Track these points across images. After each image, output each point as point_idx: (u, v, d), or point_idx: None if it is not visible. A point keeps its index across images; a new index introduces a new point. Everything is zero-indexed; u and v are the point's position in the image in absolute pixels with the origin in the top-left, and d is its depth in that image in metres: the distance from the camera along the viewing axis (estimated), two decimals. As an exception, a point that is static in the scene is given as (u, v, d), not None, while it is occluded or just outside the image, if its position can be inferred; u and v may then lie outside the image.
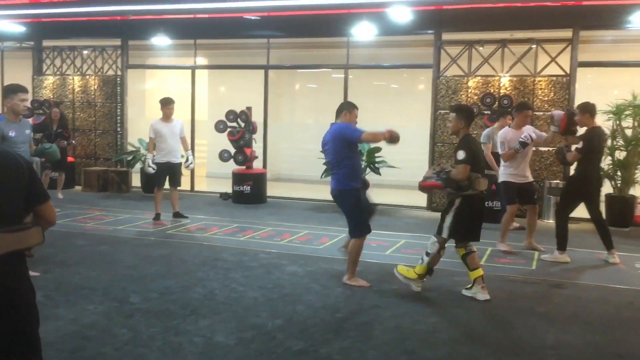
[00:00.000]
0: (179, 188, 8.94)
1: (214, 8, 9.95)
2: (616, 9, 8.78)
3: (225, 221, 8.75)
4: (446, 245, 5.33)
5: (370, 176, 10.48)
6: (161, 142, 8.51)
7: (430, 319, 4.69)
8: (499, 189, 7.49)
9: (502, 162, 7.21)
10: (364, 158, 10.29)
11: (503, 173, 7.22)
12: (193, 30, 11.54)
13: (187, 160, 8.92)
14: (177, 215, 8.82)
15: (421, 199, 10.73)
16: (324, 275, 5.92)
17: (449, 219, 5.25)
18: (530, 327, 4.59)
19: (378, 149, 10.30)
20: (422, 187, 5.59)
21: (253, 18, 10.61)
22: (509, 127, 7.30)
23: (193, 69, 12.18)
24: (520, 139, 6.82)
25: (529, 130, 7.00)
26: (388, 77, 14.00)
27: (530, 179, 7.31)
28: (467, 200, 5.18)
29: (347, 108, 5.72)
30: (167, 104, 8.59)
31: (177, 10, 10.37)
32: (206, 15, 10.53)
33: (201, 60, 13.29)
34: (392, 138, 5.25)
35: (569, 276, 6.15)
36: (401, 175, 11.84)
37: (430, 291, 5.45)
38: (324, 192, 11.57)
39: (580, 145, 6.58)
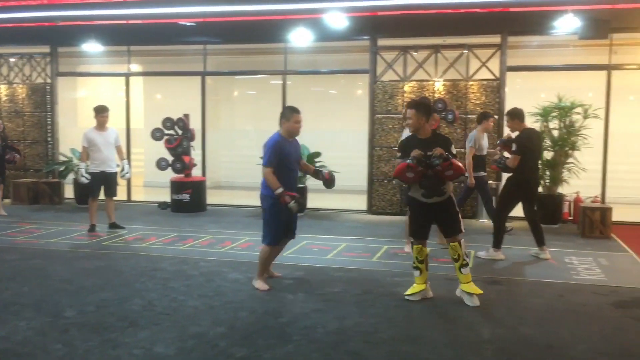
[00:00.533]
0: (115, 198, 8.71)
1: (147, 14, 9.79)
2: (541, 15, 9.17)
3: (164, 230, 8.58)
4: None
5: (310, 181, 10.54)
6: (95, 151, 8.28)
7: (372, 320, 4.74)
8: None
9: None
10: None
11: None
12: (126, 37, 11.29)
13: (122, 169, 8.70)
14: (114, 226, 8.59)
15: (362, 202, 10.87)
16: (266, 280, 5.89)
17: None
18: (467, 323, 4.72)
19: (318, 154, 10.37)
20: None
21: (188, 24, 10.50)
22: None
23: (127, 76, 11.91)
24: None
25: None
26: (326, 83, 14.12)
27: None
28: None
29: (284, 116, 5.60)
30: (101, 111, 8.37)
31: (109, 16, 10.14)
32: (139, 21, 10.32)
33: (136, 67, 13.02)
34: (283, 202, 5.29)
35: (504, 273, 6.36)
36: (341, 180, 11.88)
37: (371, 293, 5.52)
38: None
39: (513, 148, 6.83)
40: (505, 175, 7.54)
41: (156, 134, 10.52)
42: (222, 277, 6.03)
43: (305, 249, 7.48)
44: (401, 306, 5.13)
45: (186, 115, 10.59)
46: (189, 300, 5.23)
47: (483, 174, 8.40)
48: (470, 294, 5.19)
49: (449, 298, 5.39)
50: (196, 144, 10.98)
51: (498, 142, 7.62)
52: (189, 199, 10.36)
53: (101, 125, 8.35)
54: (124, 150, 9.27)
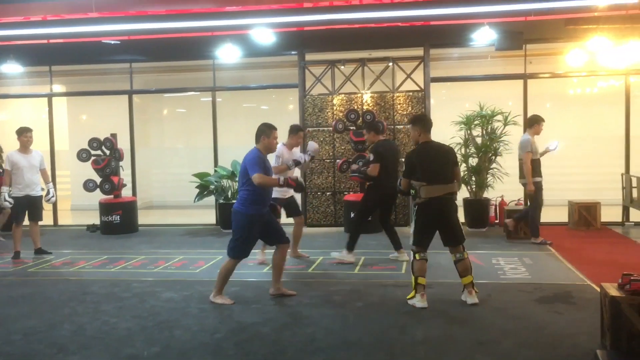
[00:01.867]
0: (40, 223, 8.40)
1: (69, 33, 9.52)
2: (460, 28, 9.57)
3: (93, 254, 8.34)
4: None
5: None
6: (19, 174, 7.99)
7: (308, 330, 4.79)
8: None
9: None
10: (237, 179, 10.30)
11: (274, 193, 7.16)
12: (47, 57, 10.95)
13: (48, 193, 8.41)
14: (40, 251, 8.28)
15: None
16: (202, 298, 5.84)
17: (412, 226, 5.55)
18: (401, 326, 4.84)
19: (250, 169, 10.34)
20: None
21: (112, 42, 10.31)
22: (283, 145, 7.26)
23: (50, 96, 11.54)
24: (295, 159, 7.15)
25: (298, 153, 7.37)
26: (257, 99, 14.15)
27: (291, 193, 7.43)
28: (419, 209, 5.47)
29: (264, 132, 5.62)
30: (23, 132, 8.11)
31: (28, 36, 9.80)
32: (61, 40, 10.04)
33: (59, 88, 12.64)
34: (288, 185, 5.44)
35: (435, 276, 6.53)
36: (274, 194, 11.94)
37: (308, 303, 5.56)
38: (198, 217, 11.47)
39: (371, 157, 7.17)
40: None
41: (82, 155, 10.23)
42: (155, 297, 5.93)
43: (241, 264, 7.38)
44: (337, 314, 5.20)
45: (113, 135, 10.35)
46: (121, 322, 5.11)
47: (539, 179, 8.31)
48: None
49: (384, 304, 5.51)
50: (125, 164, 10.74)
51: (353, 169, 7.89)
52: (119, 220, 10.11)
53: (25, 147, 8.08)
54: (49, 172, 8.98)
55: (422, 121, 5.64)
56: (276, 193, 7.13)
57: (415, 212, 5.52)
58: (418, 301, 5.37)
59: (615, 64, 8.92)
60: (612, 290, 4.05)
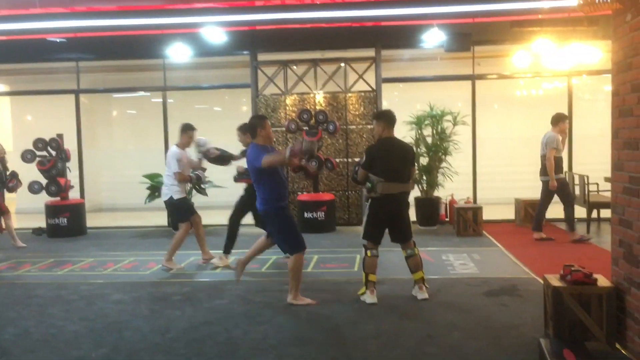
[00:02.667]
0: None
1: (12, 29, 9.23)
2: (410, 29, 9.73)
3: (39, 257, 8.10)
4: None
5: (196, 198, 10.41)
6: None
7: (260, 327, 4.78)
8: (176, 207, 7.26)
9: (169, 181, 7.09)
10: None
11: (174, 191, 7.07)
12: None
13: None
14: None
15: (248, 217, 10.85)
16: (153, 299, 5.76)
17: (364, 220, 5.54)
18: (353, 322, 4.89)
19: (203, 170, 10.23)
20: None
21: (58, 40, 10.04)
22: (177, 146, 7.18)
23: (-8, 96, 11.16)
24: (197, 174, 7.38)
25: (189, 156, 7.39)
26: (210, 100, 14.02)
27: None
28: (372, 203, 5.50)
29: (259, 124, 5.45)
30: None
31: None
32: (3, 38, 9.72)
33: (1, 87, 12.23)
34: (294, 154, 5.12)
35: (386, 272, 6.61)
36: (228, 195, 11.88)
37: (260, 302, 5.55)
38: (149, 219, 11.28)
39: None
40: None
41: (27, 156, 9.91)
42: (104, 299, 5.81)
43: (194, 265, 7.39)
44: (289, 312, 5.21)
45: (60, 135, 10.07)
46: (68, 325, 4.98)
47: (562, 175, 8.31)
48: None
49: (337, 301, 5.55)
50: (73, 165, 10.47)
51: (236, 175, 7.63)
52: (66, 223, 9.85)
53: None
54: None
55: (386, 116, 5.62)
56: (182, 193, 7.17)
57: (369, 207, 5.57)
58: (368, 297, 5.43)
59: (559, 66, 9.22)
60: (555, 281, 4.20)
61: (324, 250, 8.05)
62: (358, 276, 6.47)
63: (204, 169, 7.64)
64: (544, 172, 8.34)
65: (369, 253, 5.53)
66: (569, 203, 8.35)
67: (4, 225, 8.93)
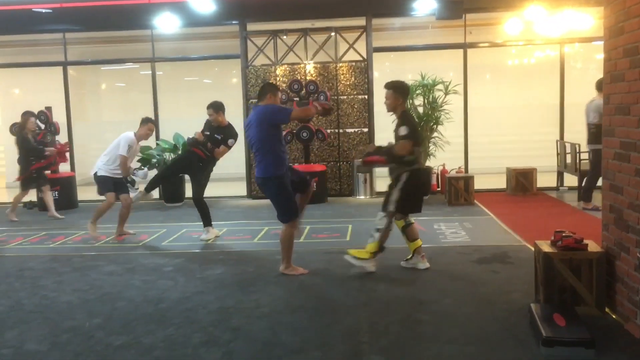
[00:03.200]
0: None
1: (-4, 0, 9.05)
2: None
3: (31, 230, 8.08)
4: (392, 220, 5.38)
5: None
6: None
7: (253, 297, 4.80)
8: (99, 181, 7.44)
9: (104, 158, 7.28)
10: (179, 152, 10.14)
11: (104, 169, 7.26)
12: (-26, 26, 10.41)
13: None
14: None
15: (241, 189, 10.86)
16: (145, 270, 5.76)
17: (395, 194, 5.28)
18: (345, 290, 4.91)
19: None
20: (366, 163, 5.53)
21: (44, 11, 9.85)
22: (134, 135, 7.31)
23: (-22, 68, 10.98)
24: (132, 176, 7.45)
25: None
26: (200, 72, 13.88)
27: (120, 175, 7.40)
28: (413, 175, 5.29)
29: (270, 90, 5.35)
30: None
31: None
32: (-13, 9, 9.55)
33: (-13, 60, 12.04)
34: (325, 110, 5.27)
35: (379, 242, 6.66)
36: (218, 168, 11.81)
37: (253, 272, 5.57)
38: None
39: (232, 139, 7.05)
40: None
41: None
42: (97, 270, 5.81)
43: (185, 237, 7.39)
44: (281, 282, 5.23)
45: (48, 108, 9.96)
46: (61, 296, 4.99)
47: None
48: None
49: (329, 270, 5.58)
50: (62, 138, 10.37)
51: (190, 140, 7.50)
52: (57, 196, 9.79)
53: None
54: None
55: (406, 89, 5.47)
56: (110, 173, 7.24)
57: (407, 180, 5.26)
58: (420, 263, 5.48)
59: (551, 33, 9.17)
60: (545, 247, 4.22)
61: (315, 220, 8.06)
62: (350, 246, 6.49)
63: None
64: (593, 140, 7.97)
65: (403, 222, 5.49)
66: (597, 173, 8.09)
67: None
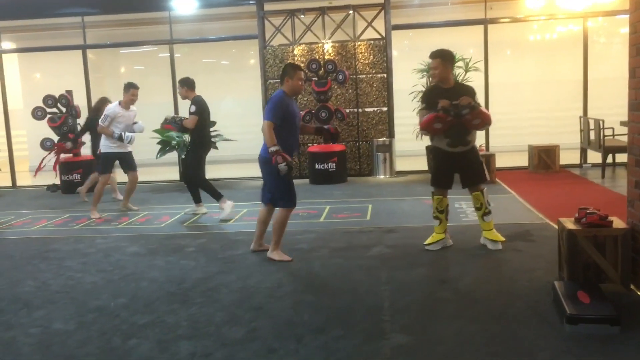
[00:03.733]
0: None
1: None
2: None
3: (55, 213, 8.20)
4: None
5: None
6: None
7: (274, 276, 4.83)
8: (101, 159, 7.99)
9: (103, 136, 7.65)
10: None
11: (102, 144, 7.70)
12: (-6, 11, 10.49)
13: None
14: None
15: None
16: (167, 251, 5.82)
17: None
18: (365, 269, 4.92)
19: (212, 123, 10.19)
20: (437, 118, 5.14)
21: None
22: (119, 104, 7.64)
23: (-1, 53, 11.09)
24: (121, 134, 7.54)
25: (132, 118, 7.77)
26: (218, 54, 13.87)
27: (130, 148, 7.81)
28: (430, 151, 5.35)
29: (288, 73, 5.22)
30: None
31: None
32: (7, -7, 9.60)
33: (8, 45, 12.14)
34: (274, 161, 4.92)
35: (399, 221, 6.65)
36: (238, 149, 11.86)
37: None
38: (161, 174, 11.33)
39: (192, 110, 7.20)
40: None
41: (37, 113, 9.92)
42: (121, 251, 5.88)
43: (207, 218, 7.45)
44: (303, 261, 5.25)
45: (69, 92, 10.04)
46: (86, 276, 5.06)
47: None
48: (493, 241, 5.29)
49: (349, 249, 5.58)
50: (82, 121, 10.45)
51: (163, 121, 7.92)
52: (80, 179, 9.91)
53: None
54: (3, 132, 8.72)
55: (453, 56, 5.34)
56: (111, 148, 7.59)
57: (428, 154, 5.42)
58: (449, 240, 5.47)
59: (574, 7, 8.96)
60: (569, 224, 4.17)
61: (335, 200, 8.06)
62: (370, 225, 6.52)
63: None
64: None
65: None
66: None
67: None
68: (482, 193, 5.29)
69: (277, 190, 5.26)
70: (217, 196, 7.33)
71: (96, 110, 9.00)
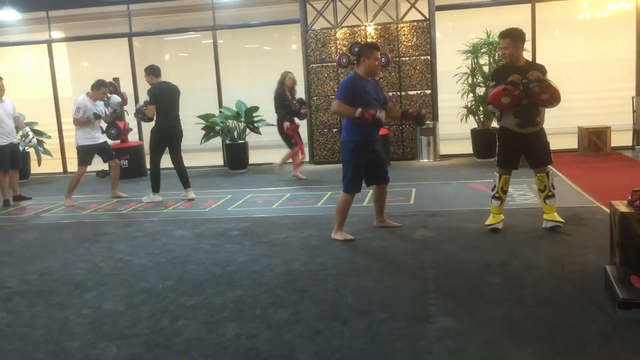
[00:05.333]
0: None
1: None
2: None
3: (104, 198, 8.42)
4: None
5: (250, 137, 10.49)
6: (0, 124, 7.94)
7: (318, 259, 4.84)
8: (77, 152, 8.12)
9: (79, 130, 7.90)
10: (242, 119, 10.25)
11: (78, 137, 7.92)
12: (44, 1, 10.75)
13: (26, 136, 8.50)
14: (19, 198, 8.44)
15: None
16: (213, 234, 5.91)
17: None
18: (410, 253, 4.88)
19: (256, 108, 10.27)
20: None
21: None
22: (87, 95, 7.95)
23: (49, 42, 11.38)
24: (95, 112, 7.91)
25: (101, 106, 8.08)
26: (260, 39, 13.90)
27: (103, 139, 8.21)
28: (499, 131, 5.29)
29: (364, 54, 5.19)
30: None
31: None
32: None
33: (57, 35, 12.45)
34: (369, 117, 4.95)
35: (443, 205, 6.57)
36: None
37: (317, 236, 5.61)
38: (205, 159, 11.48)
39: (147, 100, 7.62)
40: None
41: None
42: (167, 235, 6.00)
43: (250, 202, 7.52)
44: (347, 245, 5.25)
45: (116, 79, 10.25)
46: (135, 259, 5.19)
47: None
48: (553, 222, 5.26)
49: (393, 233, 5.55)
50: (130, 109, 10.68)
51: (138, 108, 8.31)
52: (127, 164, 10.14)
53: None
54: (53, 120, 9.00)
55: (523, 34, 5.26)
56: (88, 140, 7.87)
57: (497, 134, 5.38)
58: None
59: (626, -17, 8.61)
60: (622, 207, 4.03)
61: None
62: (414, 209, 6.47)
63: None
64: None
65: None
66: None
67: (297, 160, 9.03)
68: (547, 175, 5.25)
69: (344, 173, 5.36)
70: (155, 189, 7.76)
71: (280, 84, 8.95)
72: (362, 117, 5.01)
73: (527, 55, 9.57)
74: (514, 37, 5.16)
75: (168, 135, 7.69)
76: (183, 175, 7.84)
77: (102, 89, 7.99)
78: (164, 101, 7.59)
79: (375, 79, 5.51)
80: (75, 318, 3.87)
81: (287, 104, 8.67)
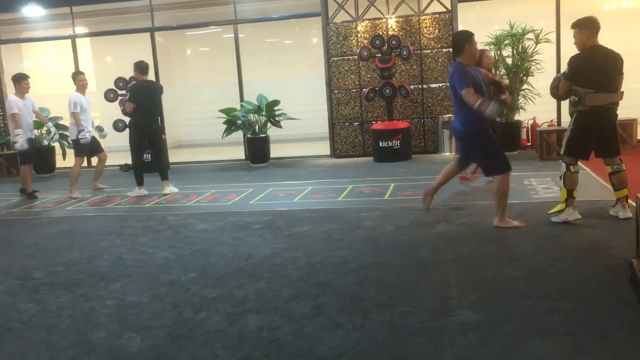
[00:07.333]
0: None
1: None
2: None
3: (127, 191, 8.50)
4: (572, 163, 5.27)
5: (271, 131, 10.53)
6: (24, 118, 8.22)
7: (340, 253, 4.85)
8: (73, 145, 8.56)
9: (71, 122, 8.32)
10: (263, 113, 10.28)
11: (72, 132, 8.32)
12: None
13: (49, 132, 8.93)
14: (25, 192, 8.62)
15: (324, 148, 10.91)
16: (235, 228, 5.95)
17: (566, 135, 5.28)
18: (432, 246, 4.86)
19: (277, 102, 10.30)
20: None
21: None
22: (75, 92, 8.30)
23: (73, 38, 11.52)
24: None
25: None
26: (280, 33, 13.92)
27: (88, 137, 8.32)
28: (579, 117, 5.18)
29: (468, 40, 5.06)
30: (21, 79, 8.31)
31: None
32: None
33: (81, 30, 12.61)
34: (484, 108, 4.82)
35: (466, 199, 6.52)
36: (302, 128, 11.94)
37: (339, 229, 5.61)
38: (227, 153, 11.55)
39: (127, 97, 8.04)
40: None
41: (110, 96, 10.30)
42: (190, 228, 6.06)
43: (272, 196, 7.54)
44: (368, 238, 5.24)
45: (138, 74, 10.32)
46: (158, 252, 5.25)
47: None
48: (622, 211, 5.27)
49: (415, 227, 5.53)
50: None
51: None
52: (150, 159, 10.21)
53: (23, 93, 8.29)
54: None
55: (589, 23, 5.25)
56: (74, 135, 8.25)
57: (574, 121, 5.23)
58: (570, 214, 5.23)
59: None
60: (648, 200, 3.96)
61: (400, 178, 7.99)
62: (435, 203, 6.40)
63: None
64: None
65: (572, 169, 5.26)
66: None
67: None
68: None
69: (486, 158, 5.25)
70: (139, 182, 8.10)
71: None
72: (480, 108, 4.88)
73: (551, 47, 9.52)
74: (580, 26, 5.26)
75: (143, 132, 8.08)
76: (161, 169, 8.28)
77: (78, 77, 8.41)
78: (143, 101, 7.91)
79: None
80: (100, 309, 3.93)
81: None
